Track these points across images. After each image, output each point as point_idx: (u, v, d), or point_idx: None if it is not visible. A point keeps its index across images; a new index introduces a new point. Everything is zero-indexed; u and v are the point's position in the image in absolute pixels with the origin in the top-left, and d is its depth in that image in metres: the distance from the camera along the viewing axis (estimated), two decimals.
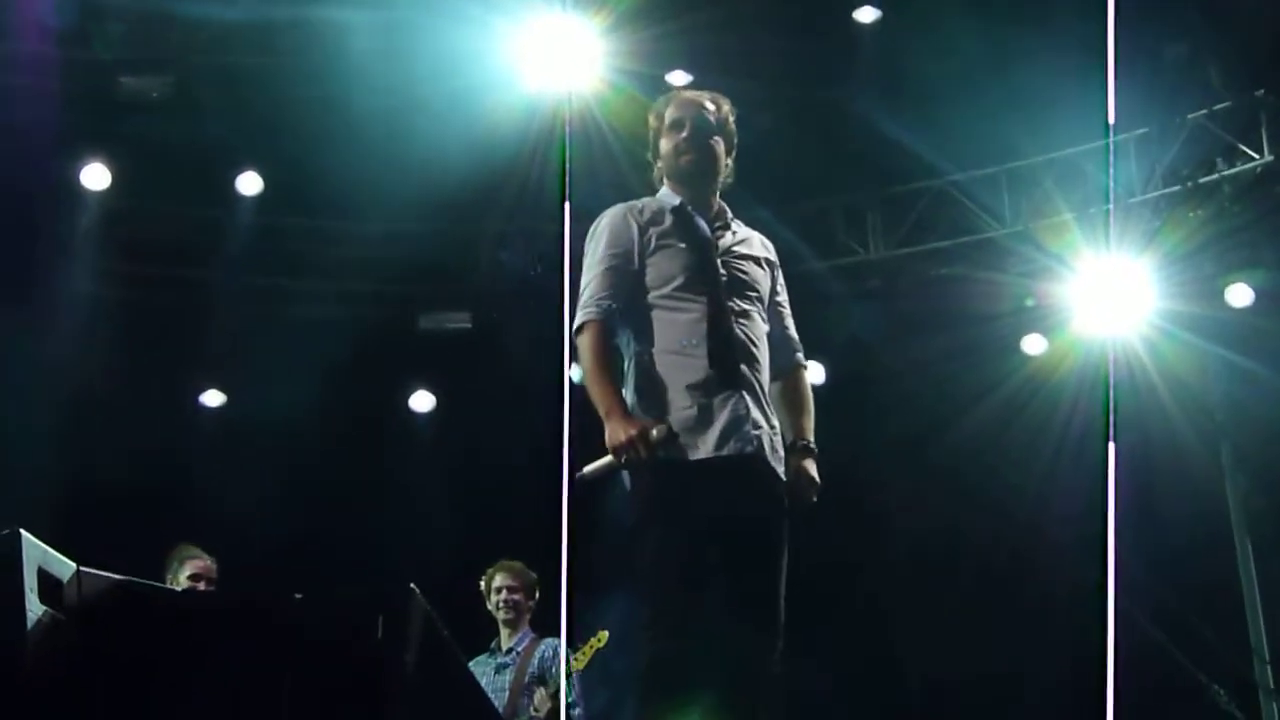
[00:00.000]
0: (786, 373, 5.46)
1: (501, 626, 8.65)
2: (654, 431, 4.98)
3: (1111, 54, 5.89)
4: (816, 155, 12.69)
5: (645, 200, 5.43)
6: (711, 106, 5.43)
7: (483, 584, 8.74)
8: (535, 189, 11.61)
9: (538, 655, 8.58)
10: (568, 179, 7.48)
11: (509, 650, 8.59)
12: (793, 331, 5.54)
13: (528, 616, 8.68)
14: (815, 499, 5.28)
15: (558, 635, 8.50)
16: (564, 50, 10.82)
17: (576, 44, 10.82)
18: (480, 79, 11.08)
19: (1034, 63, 11.09)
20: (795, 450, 5.30)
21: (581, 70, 10.93)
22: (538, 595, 8.68)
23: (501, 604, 8.61)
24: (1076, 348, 12.27)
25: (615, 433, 5.00)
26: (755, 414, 5.12)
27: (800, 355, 5.53)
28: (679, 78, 11.20)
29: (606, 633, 8.65)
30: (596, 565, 6.31)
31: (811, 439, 5.36)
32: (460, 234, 13.10)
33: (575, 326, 5.23)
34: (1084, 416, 11.70)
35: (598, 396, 5.08)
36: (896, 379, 12.94)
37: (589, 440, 5.16)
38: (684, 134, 5.38)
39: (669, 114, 5.44)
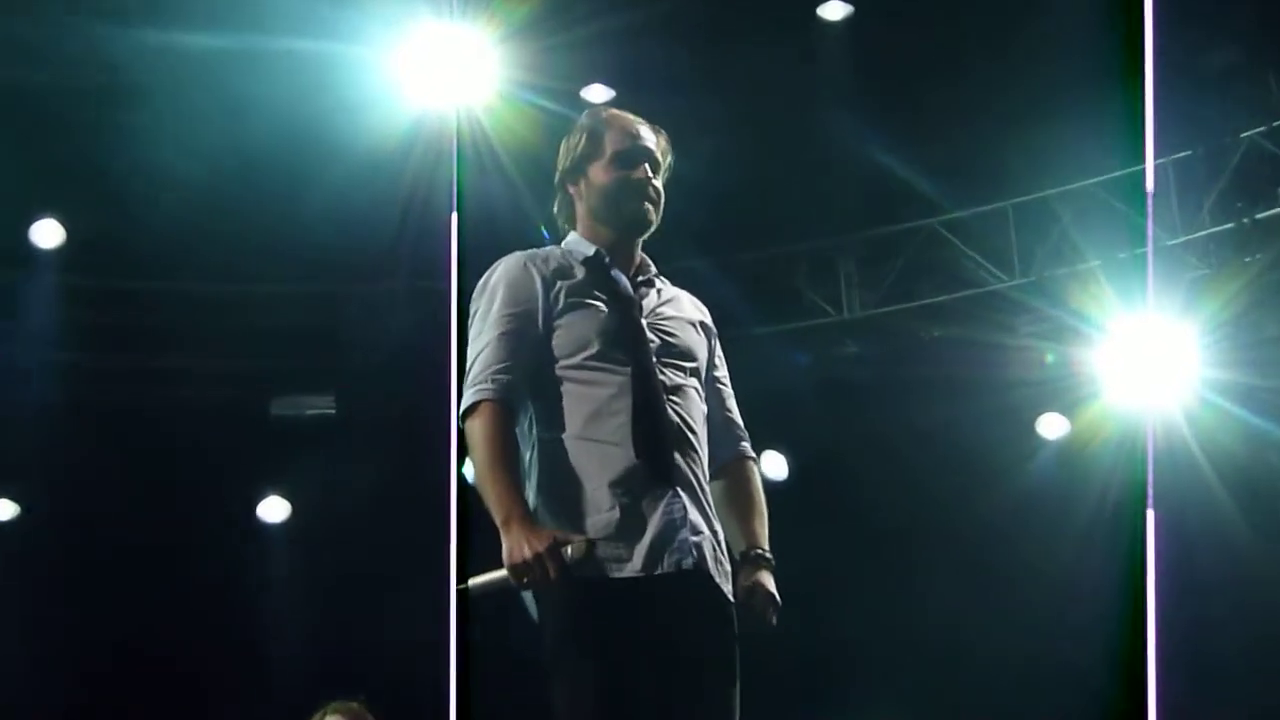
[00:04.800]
0: (730, 466, 5.38)
1: None
2: (568, 548, 4.84)
3: (1151, 62, 5.99)
4: (771, 190, 12.73)
5: (549, 248, 5.32)
6: (653, 138, 5.36)
7: None
8: (417, 232, 11.67)
9: None
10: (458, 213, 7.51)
11: None
12: (736, 414, 5.46)
13: None
14: (775, 620, 5.16)
15: None
16: (452, 63, 10.99)
17: (466, 56, 10.99)
18: (356, 98, 11.16)
19: (1046, 71, 11.23)
20: (747, 561, 5.20)
21: (473, 85, 11.07)
22: None
23: None
24: (1104, 430, 12.40)
25: (517, 547, 4.83)
26: (694, 517, 5.01)
27: (747, 444, 5.44)
28: (598, 93, 11.31)
29: None
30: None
31: (766, 547, 5.26)
32: (322, 294, 13.09)
33: (464, 408, 5.08)
34: (1112, 519, 11.82)
35: (494, 497, 4.93)
36: (875, 474, 12.99)
37: (486, 551, 4.97)
38: (636, 173, 5.29)
39: (611, 141, 5.32)
